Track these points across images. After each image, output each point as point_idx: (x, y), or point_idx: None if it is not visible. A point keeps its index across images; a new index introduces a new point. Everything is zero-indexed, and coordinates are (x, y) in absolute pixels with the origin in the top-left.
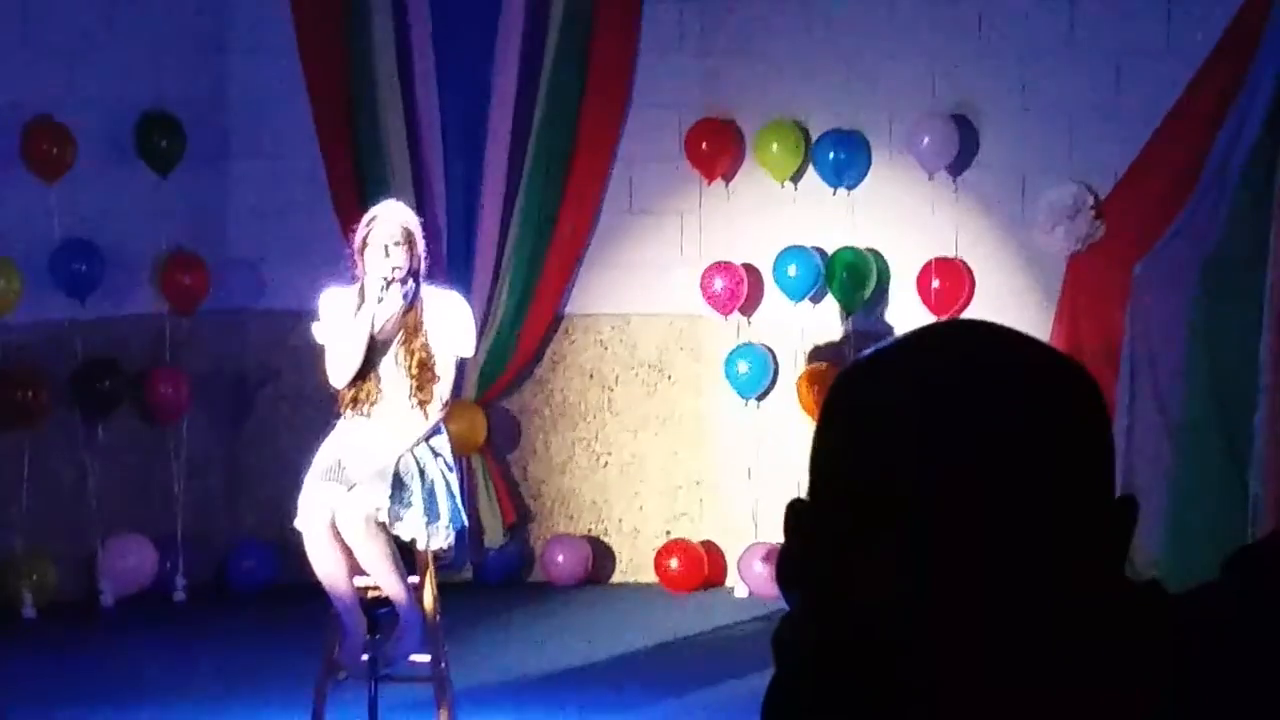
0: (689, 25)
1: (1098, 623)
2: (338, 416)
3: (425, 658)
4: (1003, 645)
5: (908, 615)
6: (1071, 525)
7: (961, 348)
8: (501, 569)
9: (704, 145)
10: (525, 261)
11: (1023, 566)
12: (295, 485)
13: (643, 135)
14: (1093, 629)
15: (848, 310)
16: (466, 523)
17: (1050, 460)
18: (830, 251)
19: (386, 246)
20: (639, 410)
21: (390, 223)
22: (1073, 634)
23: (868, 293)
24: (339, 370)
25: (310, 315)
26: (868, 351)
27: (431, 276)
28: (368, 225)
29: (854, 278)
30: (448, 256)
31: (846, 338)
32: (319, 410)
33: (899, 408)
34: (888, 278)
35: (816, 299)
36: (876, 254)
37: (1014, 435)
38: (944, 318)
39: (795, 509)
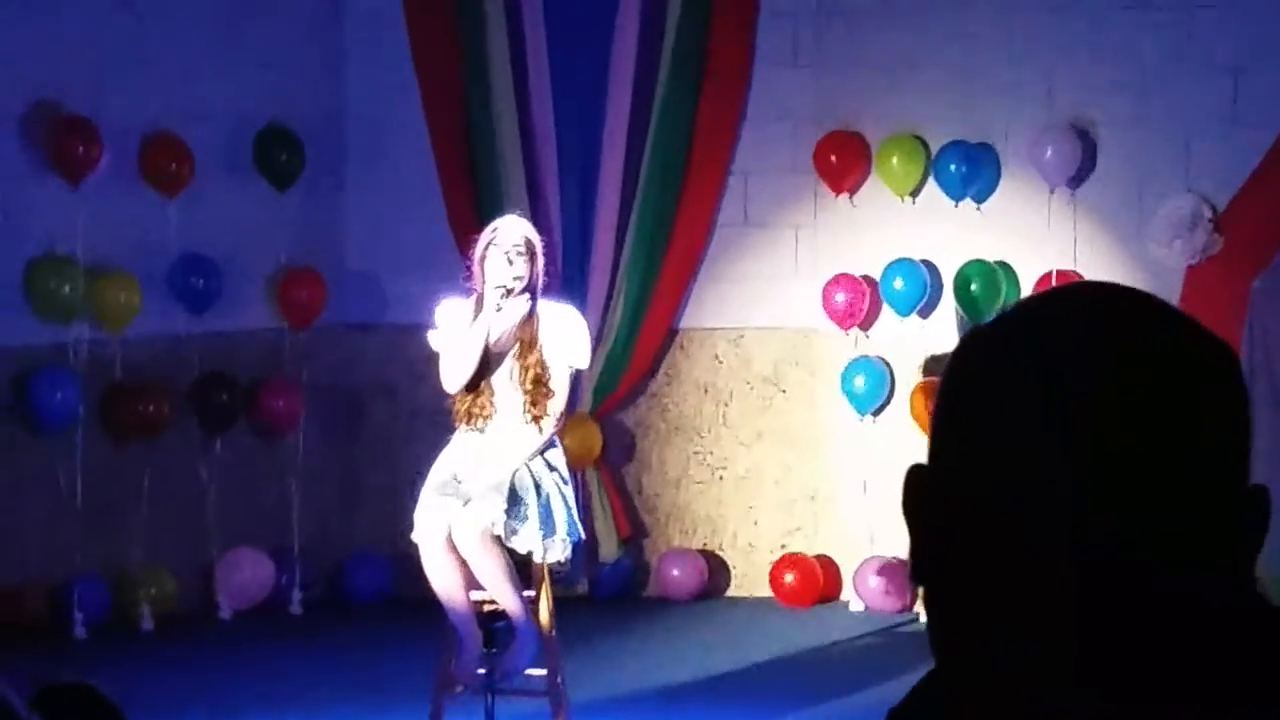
0: (802, 38)
1: (1230, 630)
2: (453, 430)
3: (541, 672)
4: (1136, 645)
5: (1042, 596)
6: (1209, 504)
7: (1099, 305)
8: (616, 583)
9: (833, 158)
10: (640, 275)
11: (1163, 547)
12: (411, 499)
13: (758, 148)
14: (1225, 636)
15: (975, 324)
16: (583, 536)
17: (1194, 424)
18: (944, 264)
19: (508, 256)
20: (753, 424)
21: (513, 233)
22: (1207, 637)
23: (999, 306)
24: (453, 376)
25: (426, 329)
26: (995, 316)
27: (547, 291)
28: (490, 235)
29: (987, 290)
30: (563, 270)
31: None
32: (434, 424)
33: (1039, 364)
34: (1015, 291)
35: (927, 313)
36: (1006, 267)
37: (1159, 393)
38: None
39: (919, 477)
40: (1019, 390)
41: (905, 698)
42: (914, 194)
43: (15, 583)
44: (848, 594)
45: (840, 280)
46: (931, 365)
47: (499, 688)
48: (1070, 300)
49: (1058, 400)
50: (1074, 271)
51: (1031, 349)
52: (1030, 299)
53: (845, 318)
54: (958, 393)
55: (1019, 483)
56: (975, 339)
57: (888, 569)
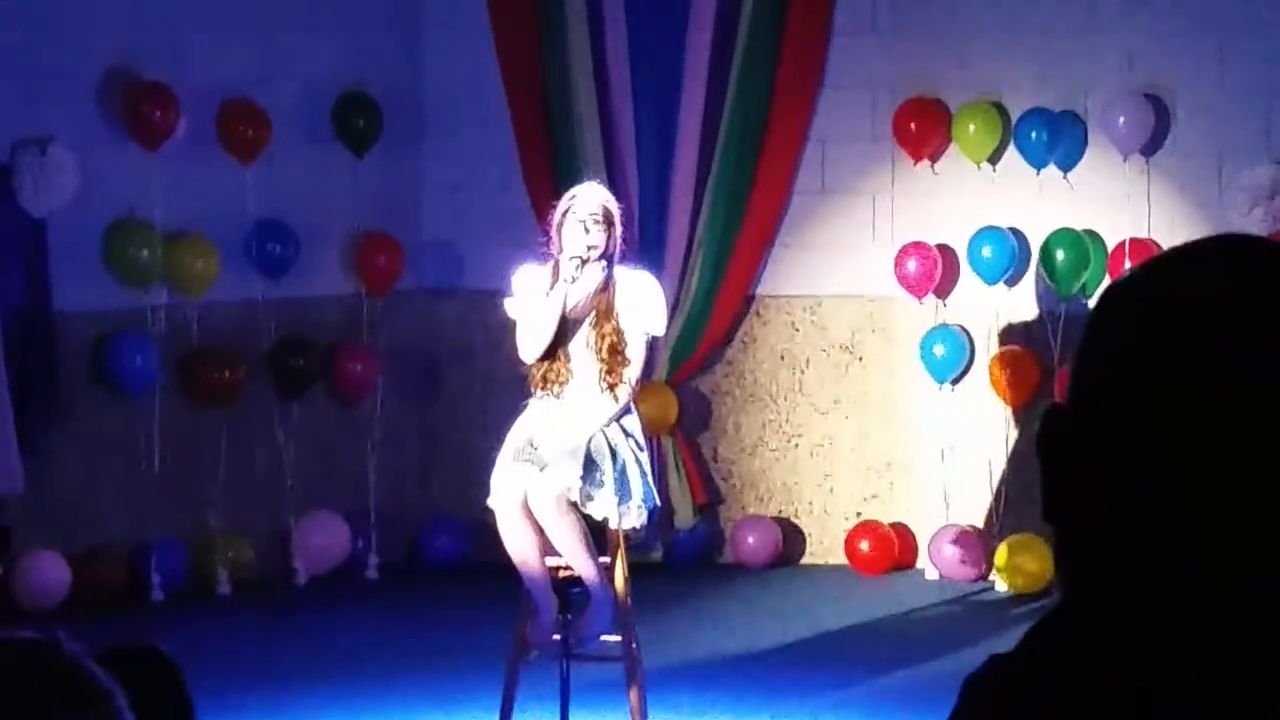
0: (881, 5)
1: None
2: (529, 396)
3: (616, 637)
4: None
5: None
6: None
7: (1240, 256)
8: (692, 550)
9: (912, 125)
10: (717, 242)
11: None
12: (487, 464)
13: (835, 115)
14: None
15: (1063, 293)
16: (658, 503)
17: None
18: (1027, 232)
19: (585, 224)
20: (830, 392)
21: (591, 201)
22: None
23: (1088, 275)
24: (530, 345)
25: (503, 295)
26: (1138, 266)
27: (623, 258)
28: (568, 202)
29: (1075, 260)
30: (639, 237)
31: (1043, 320)
32: (510, 390)
33: (1180, 311)
34: (1103, 259)
35: (1012, 281)
36: (1094, 235)
37: None
38: None
39: (1055, 417)
40: (1158, 335)
41: (991, 663)
42: (993, 161)
43: (94, 547)
44: (923, 562)
45: (911, 248)
46: (1011, 335)
47: (574, 653)
48: (1211, 251)
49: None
50: (1151, 240)
51: (1173, 297)
52: (1171, 250)
53: (918, 286)
54: (1098, 337)
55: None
56: (1118, 286)
57: (963, 537)
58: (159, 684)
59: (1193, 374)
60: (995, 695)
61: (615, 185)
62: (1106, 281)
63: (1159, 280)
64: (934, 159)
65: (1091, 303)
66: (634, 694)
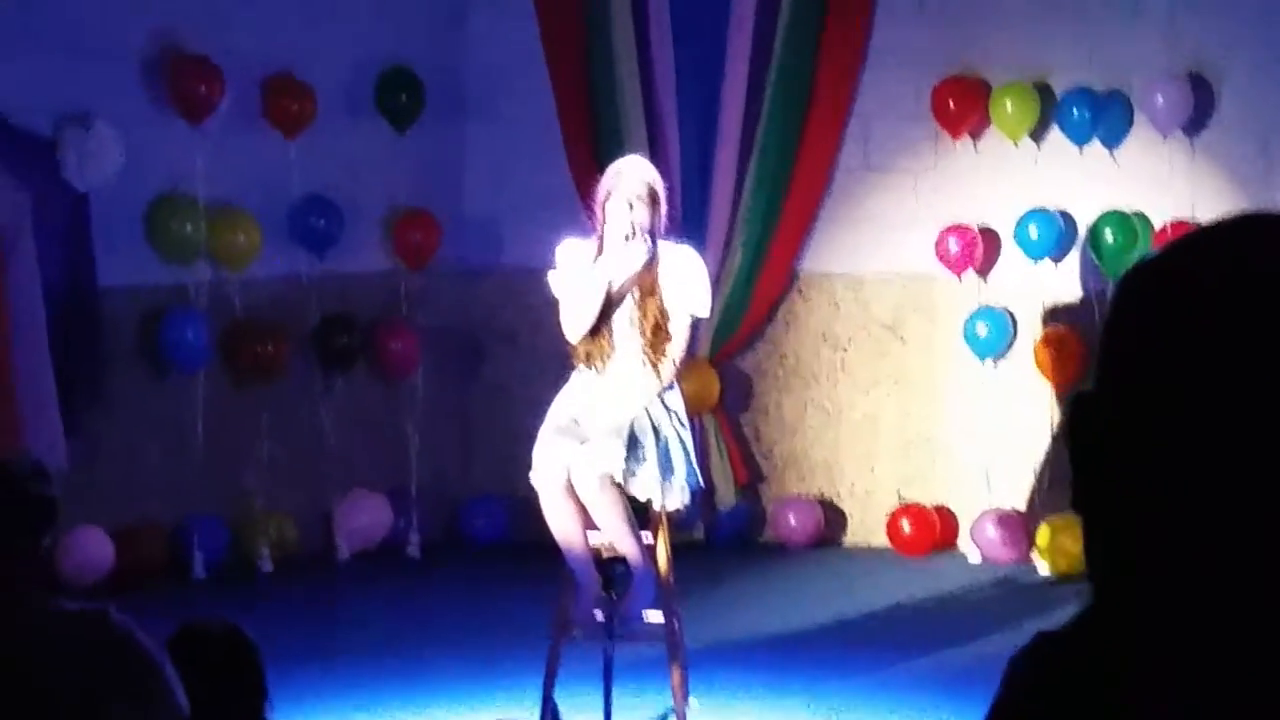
0: None
1: None
2: (571, 372)
3: (658, 616)
4: None
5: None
6: None
7: (1266, 235)
8: (733, 529)
9: (951, 103)
10: (759, 220)
11: None
12: (529, 441)
13: (878, 92)
14: None
15: (1111, 273)
16: (701, 482)
17: None
18: (1072, 212)
19: (630, 201)
20: (872, 371)
21: (635, 178)
22: None
23: (1136, 255)
24: (575, 323)
25: (544, 272)
26: (1161, 248)
27: (667, 234)
28: (613, 178)
29: (1123, 240)
30: (682, 213)
31: (1088, 299)
32: (552, 366)
33: (1206, 293)
34: (1149, 240)
35: (1056, 260)
36: (1142, 217)
37: None
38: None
39: (1083, 405)
40: (1184, 320)
41: (1038, 640)
42: (1035, 139)
43: (136, 524)
44: (964, 543)
45: (953, 227)
46: (1055, 315)
47: (616, 632)
48: (1237, 231)
49: (1225, 330)
50: (1193, 221)
51: (1198, 278)
52: (1195, 232)
53: (958, 265)
54: (1123, 322)
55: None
56: (1141, 270)
57: (1005, 519)
58: (235, 663)
59: (1212, 359)
60: (1040, 673)
61: (657, 162)
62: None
63: (1180, 261)
64: (975, 137)
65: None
66: (676, 672)
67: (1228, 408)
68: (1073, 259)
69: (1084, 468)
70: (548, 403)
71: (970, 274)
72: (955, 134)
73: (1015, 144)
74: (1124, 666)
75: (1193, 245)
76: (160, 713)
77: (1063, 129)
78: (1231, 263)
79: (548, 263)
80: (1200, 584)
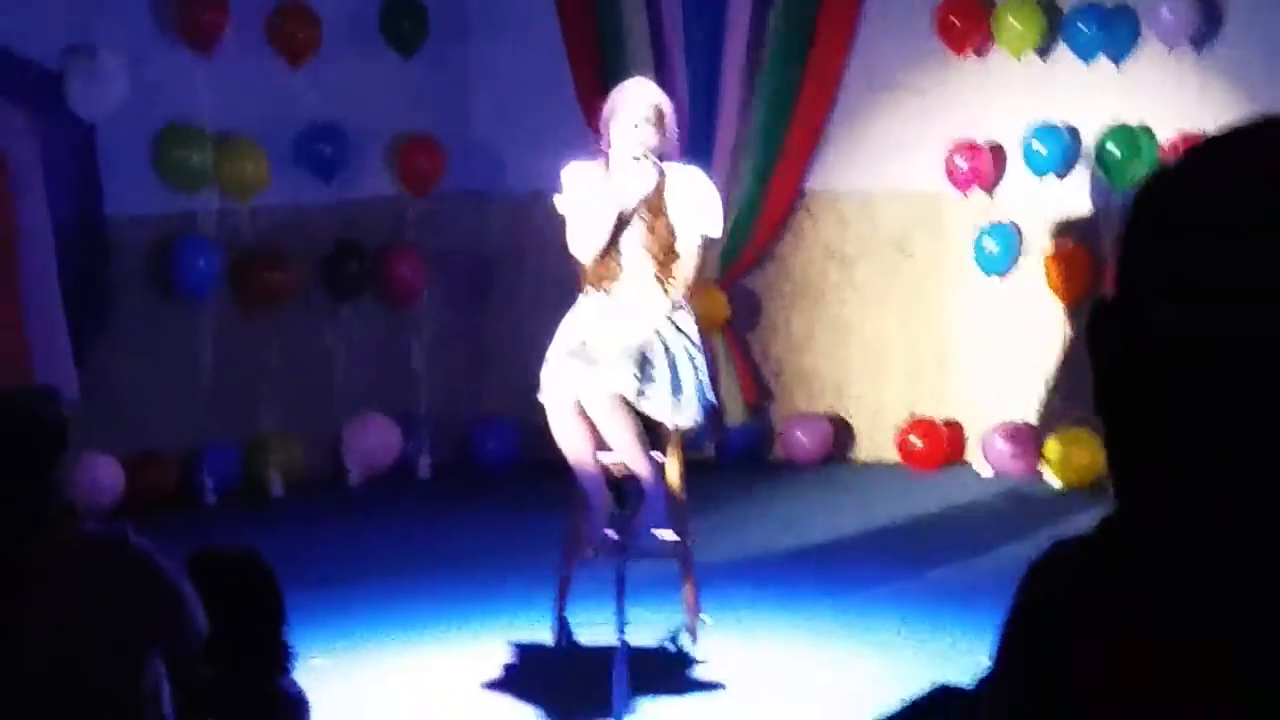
0: None
1: None
2: (580, 294)
3: (670, 534)
4: None
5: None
6: None
7: None
8: (743, 447)
9: (954, 20)
10: (766, 140)
11: None
12: (538, 363)
13: (884, 10)
14: None
15: (1119, 187)
16: (713, 400)
17: None
18: (1078, 126)
19: (636, 123)
20: (880, 288)
21: (641, 99)
22: None
23: (1143, 169)
24: (585, 247)
25: (551, 195)
26: (1182, 155)
27: (674, 155)
28: (617, 97)
29: (1129, 154)
30: (688, 134)
31: (1095, 213)
32: (560, 288)
33: (1228, 197)
34: (1155, 154)
35: (1062, 175)
36: (1148, 131)
37: None
38: None
39: (1104, 310)
40: (1203, 224)
41: (1055, 549)
42: (1041, 54)
43: (147, 451)
44: (974, 457)
45: (959, 145)
46: (1063, 230)
47: (628, 550)
48: (1255, 134)
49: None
50: (1203, 134)
51: (1217, 181)
52: (1212, 137)
53: (966, 182)
54: (1142, 228)
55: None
56: (1161, 175)
57: (1014, 432)
58: (252, 586)
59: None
60: (1059, 582)
61: (663, 83)
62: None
63: (1198, 166)
64: (979, 54)
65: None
66: (688, 589)
67: (1249, 311)
68: (1079, 174)
69: (1106, 376)
70: (556, 325)
71: (977, 190)
72: (959, 51)
73: (1019, 59)
74: (1147, 574)
75: (1210, 150)
76: (182, 631)
77: (1069, 44)
78: (1249, 166)
79: (554, 186)
80: (1226, 489)
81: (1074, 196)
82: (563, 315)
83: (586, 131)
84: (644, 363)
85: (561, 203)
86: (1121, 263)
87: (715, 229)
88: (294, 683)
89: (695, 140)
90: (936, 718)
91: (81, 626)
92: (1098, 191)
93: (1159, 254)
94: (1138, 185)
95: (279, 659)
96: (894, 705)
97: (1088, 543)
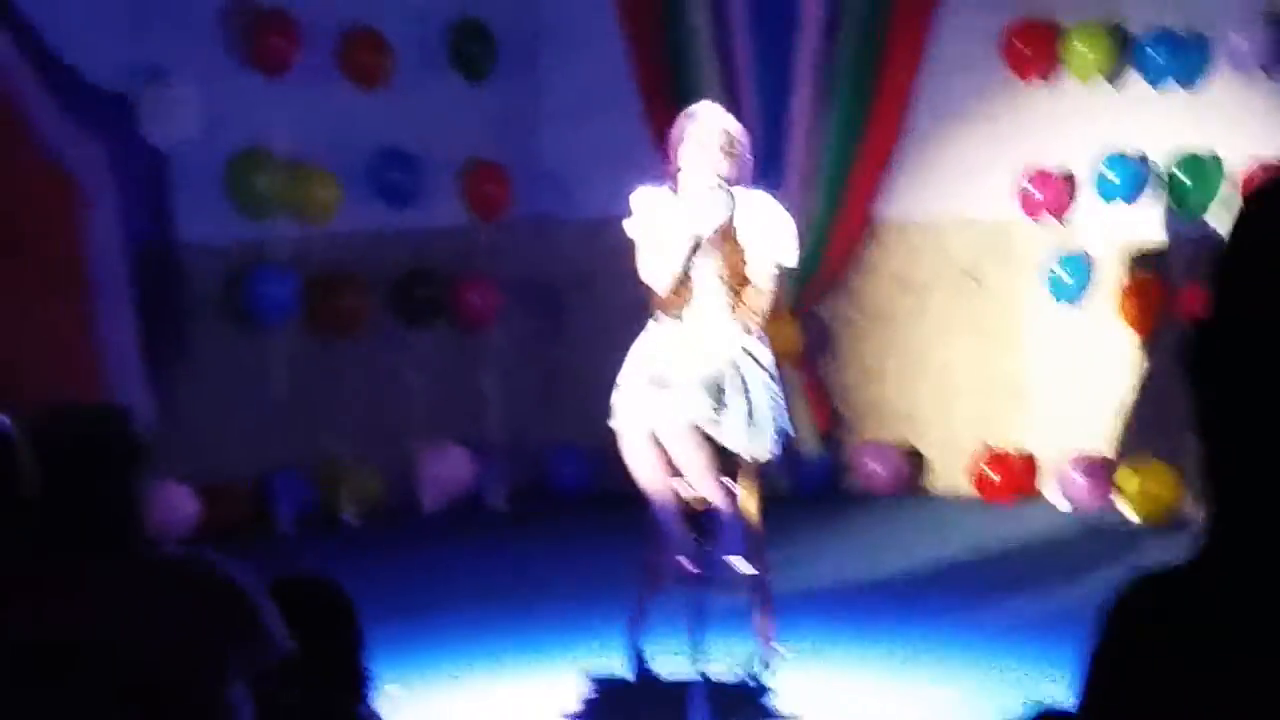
0: None
1: None
2: (652, 320)
3: (746, 564)
4: None
5: None
6: None
7: None
8: (816, 478)
9: (1022, 46)
10: (836, 167)
11: None
12: (611, 390)
13: (954, 37)
14: None
15: (1189, 215)
16: (789, 430)
17: None
18: (1154, 155)
19: (708, 149)
20: (952, 317)
21: (712, 124)
22: None
23: (1215, 198)
24: (658, 277)
25: (620, 220)
26: (1273, 179)
27: (743, 182)
28: (686, 121)
29: (1201, 183)
30: (757, 161)
31: (1169, 243)
32: (631, 314)
33: None
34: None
35: (1134, 202)
36: (1221, 159)
37: None
38: None
39: (1199, 335)
40: None
41: (1141, 581)
42: (1111, 80)
43: (221, 480)
44: (1047, 489)
45: (1031, 171)
46: (1134, 257)
47: (704, 581)
48: None
49: None
50: (1277, 161)
51: None
52: None
53: (1039, 210)
54: (1239, 251)
55: None
56: (1259, 195)
57: (1087, 464)
58: (334, 615)
59: None
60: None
61: (733, 109)
62: (1235, 201)
63: (1256, 212)
64: (1046, 79)
65: (1220, 221)
66: (762, 620)
67: None
68: (1150, 201)
69: (1208, 401)
70: (628, 350)
71: (1048, 218)
72: (1027, 77)
73: (1086, 84)
74: (1245, 601)
75: None
76: (262, 645)
77: (1139, 70)
78: None
79: (624, 210)
80: None
81: (1145, 223)
82: (634, 341)
83: (656, 155)
84: (719, 391)
85: (631, 228)
86: (1222, 279)
87: (791, 257)
88: (373, 711)
89: (764, 168)
90: None
91: (160, 645)
92: (1169, 219)
93: (1264, 270)
94: (1238, 212)
95: (358, 686)
96: None
97: (1179, 575)
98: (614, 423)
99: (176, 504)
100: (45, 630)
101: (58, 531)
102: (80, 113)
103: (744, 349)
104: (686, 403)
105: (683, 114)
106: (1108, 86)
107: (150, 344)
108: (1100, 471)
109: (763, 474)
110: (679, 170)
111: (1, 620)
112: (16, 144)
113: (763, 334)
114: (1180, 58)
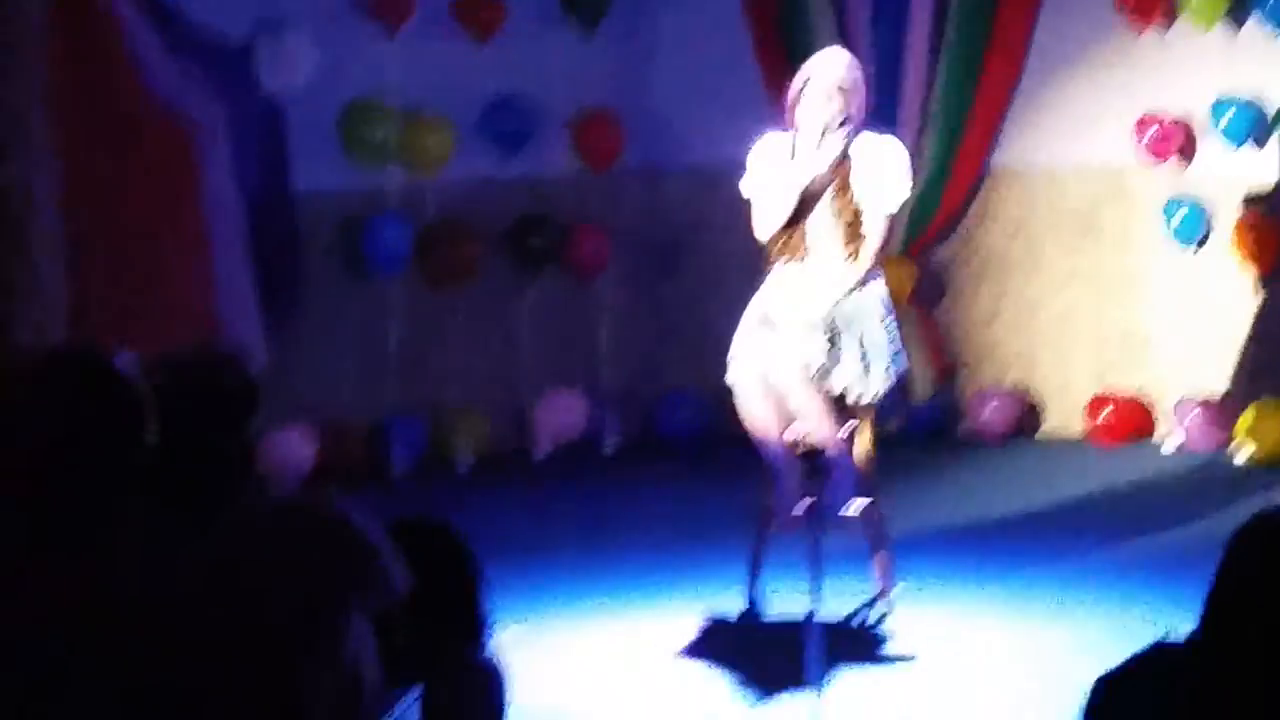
0: None
1: None
2: (766, 270)
3: (860, 506)
4: None
5: None
6: None
7: None
8: (929, 421)
9: None
10: (952, 113)
11: None
12: (722, 337)
13: None
14: None
15: None
16: (905, 367)
17: None
18: (1270, 99)
19: (828, 93)
20: (1067, 263)
21: (831, 70)
22: None
23: None
24: (766, 220)
25: (733, 169)
26: None
27: (864, 125)
28: (810, 70)
29: None
30: (873, 108)
31: None
32: (743, 261)
33: None
34: None
35: (1252, 147)
36: None
37: None
38: None
39: None
40: None
41: (1264, 518)
42: (1230, 25)
43: (335, 424)
44: (1162, 433)
45: (1149, 117)
46: (1253, 202)
47: (819, 523)
48: None
49: None
50: None
51: None
52: None
53: (1155, 155)
54: None
55: None
56: None
57: (1204, 407)
58: (454, 557)
59: None
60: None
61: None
62: None
63: None
64: (1165, 26)
65: None
66: (879, 561)
67: None
68: (1269, 145)
69: None
70: (739, 299)
71: (1165, 163)
72: (1143, 23)
73: (1207, 30)
74: None
75: None
76: (381, 585)
77: (1261, 13)
78: None
79: (737, 159)
80: None
81: (1263, 168)
82: (746, 288)
83: (769, 103)
84: (832, 336)
85: (747, 185)
86: None
87: (895, 205)
88: (494, 653)
89: (880, 113)
90: (1154, 672)
91: (281, 589)
92: None
93: None
94: None
95: (479, 629)
96: (1116, 660)
97: None
98: (729, 375)
99: (292, 448)
100: (166, 581)
101: (176, 477)
102: (197, 62)
103: (859, 289)
104: (799, 345)
105: (807, 63)
106: (1226, 30)
107: (266, 291)
108: (1219, 413)
109: (878, 416)
110: (798, 116)
111: (122, 571)
112: (134, 93)
113: (879, 272)
114: None
